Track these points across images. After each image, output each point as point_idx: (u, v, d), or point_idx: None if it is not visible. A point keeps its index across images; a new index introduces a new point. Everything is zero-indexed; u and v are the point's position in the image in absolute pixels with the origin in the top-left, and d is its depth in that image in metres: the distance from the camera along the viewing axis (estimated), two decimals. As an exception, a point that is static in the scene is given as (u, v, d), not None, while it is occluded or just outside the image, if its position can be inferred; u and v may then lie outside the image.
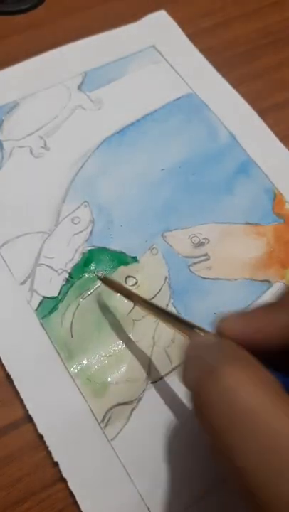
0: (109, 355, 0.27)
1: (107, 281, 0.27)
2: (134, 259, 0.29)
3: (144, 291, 0.28)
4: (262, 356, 0.17)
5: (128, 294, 0.26)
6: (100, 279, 0.28)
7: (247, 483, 0.15)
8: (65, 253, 0.29)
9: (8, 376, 0.26)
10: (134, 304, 0.26)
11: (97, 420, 0.25)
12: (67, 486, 0.24)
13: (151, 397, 0.26)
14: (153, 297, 0.28)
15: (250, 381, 0.16)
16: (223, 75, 0.37)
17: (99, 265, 0.29)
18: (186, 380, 0.18)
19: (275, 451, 0.14)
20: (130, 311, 0.28)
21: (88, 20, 0.39)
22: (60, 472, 0.24)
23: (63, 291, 0.28)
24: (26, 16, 0.39)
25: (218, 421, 0.16)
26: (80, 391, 0.25)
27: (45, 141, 0.33)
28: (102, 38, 0.38)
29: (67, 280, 0.28)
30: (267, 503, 0.14)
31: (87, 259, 0.29)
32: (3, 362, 0.26)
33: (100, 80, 0.36)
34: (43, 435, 0.24)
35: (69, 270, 0.29)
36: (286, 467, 0.14)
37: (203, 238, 0.30)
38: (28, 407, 0.25)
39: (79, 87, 0.36)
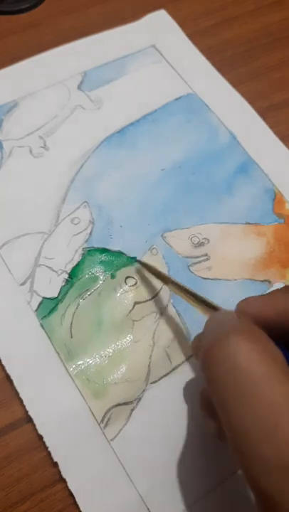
0: (109, 356, 0.27)
1: (143, 264, 0.29)
2: (134, 260, 0.29)
3: (143, 292, 0.28)
4: (278, 337, 0.18)
5: (162, 277, 0.28)
6: (138, 261, 0.29)
7: (239, 444, 0.16)
8: (65, 254, 0.29)
9: (8, 376, 0.26)
10: (166, 285, 0.28)
11: (96, 420, 0.25)
12: (66, 487, 0.24)
13: (151, 397, 0.26)
14: (153, 297, 0.28)
15: (255, 350, 0.17)
16: (223, 75, 0.37)
17: (99, 266, 0.29)
18: (198, 349, 0.19)
19: (266, 415, 0.15)
20: (130, 312, 0.28)
21: (88, 20, 0.39)
22: (59, 472, 0.24)
23: (63, 292, 0.28)
24: (26, 16, 0.39)
25: (220, 383, 0.17)
26: (80, 391, 0.25)
27: (45, 141, 0.33)
28: (101, 37, 0.38)
29: (66, 281, 0.28)
30: (254, 463, 0.15)
31: (87, 259, 0.29)
32: (3, 362, 0.26)
33: (99, 79, 0.36)
34: (43, 435, 0.24)
35: (69, 271, 0.29)
36: (273, 431, 0.15)
37: (203, 238, 0.30)
38: (27, 407, 0.25)
39: (79, 87, 0.35)
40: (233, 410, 0.16)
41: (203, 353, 0.18)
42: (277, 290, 0.20)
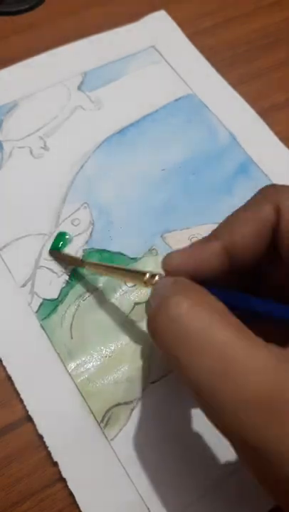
0: (109, 356, 0.27)
1: (53, 254, 0.29)
2: (134, 261, 0.29)
3: (143, 292, 0.28)
4: (212, 283, 0.19)
5: (77, 262, 0.28)
6: (50, 253, 0.29)
7: (203, 399, 0.17)
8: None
9: (8, 377, 0.26)
10: (85, 268, 0.28)
11: (96, 420, 0.25)
12: (66, 486, 0.24)
13: (151, 397, 0.26)
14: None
15: (194, 306, 0.18)
16: (223, 75, 0.37)
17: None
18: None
19: (215, 361, 0.16)
20: (130, 312, 0.28)
21: (88, 21, 0.39)
22: (59, 472, 0.24)
23: (63, 293, 0.28)
24: (26, 16, 0.39)
25: (170, 345, 0.18)
26: (80, 391, 0.26)
27: (45, 142, 0.33)
28: (101, 38, 0.38)
29: (67, 282, 0.28)
30: (217, 406, 0.16)
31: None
32: (4, 363, 0.26)
33: (99, 80, 0.36)
34: (43, 435, 0.24)
35: (69, 272, 0.29)
36: (232, 373, 0.16)
37: (203, 239, 0.30)
38: (28, 407, 0.25)
39: (79, 87, 0.36)
40: (186, 366, 0.17)
41: (149, 322, 0.19)
42: (196, 242, 0.21)
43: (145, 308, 0.21)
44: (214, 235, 0.21)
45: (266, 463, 0.16)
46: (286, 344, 0.17)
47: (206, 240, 0.21)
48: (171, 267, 0.20)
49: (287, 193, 0.20)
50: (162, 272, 0.21)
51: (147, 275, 0.22)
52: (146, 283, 0.22)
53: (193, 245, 0.21)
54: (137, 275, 0.23)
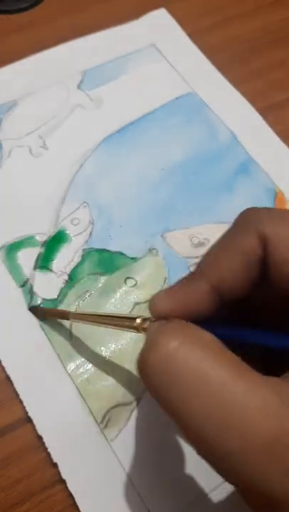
0: (109, 356, 0.27)
1: (34, 311, 0.27)
2: (134, 260, 0.29)
3: (143, 292, 0.28)
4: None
5: (62, 314, 0.26)
6: (30, 310, 0.27)
7: (195, 441, 0.16)
8: (65, 255, 0.29)
9: (7, 377, 0.26)
10: (71, 320, 0.26)
11: (96, 421, 0.25)
12: (66, 488, 0.24)
13: (151, 398, 0.26)
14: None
15: (186, 343, 0.16)
16: (224, 74, 0.37)
17: (98, 267, 0.29)
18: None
19: (217, 404, 0.15)
20: (130, 312, 0.28)
21: (87, 19, 0.39)
22: (59, 473, 0.24)
23: (63, 294, 0.28)
24: (25, 15, 0.39)
25: (162, 389, 0.16)
26: (80, 392, 0.25)
27: (45, 141, 0.33)
28: (101, 36, 0.37)
29: (66, 282, 0.28)
30: (217, 451, 0.15)
31: (87, 260, 0.29)
32: (3, 363, 0.26)
33: (99, 78, 0.36)
34: (42, 436, 0.24)
35: (68, 272, 0.29)
36: (231, 418, 0.15)
37: (204, 238, 0.30)
38: (27, 408, 0.25)
39: (78, 86, 0.35)
40: (183, 411, 0.16)
41: (138, 365, 0.18)
42: (181, 281, 0.20)
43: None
44: (200, 272, 0.19)
45: (269, 502, 0.15)
46: (284, 370, 0.16)
47: (192, 278, 0.19)
48: (158, 311, 0.19)
49: (270, 218, 0.19)
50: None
51: (138, 320, 0.21)
52: (137, 328, 0.21)
53: (180, 285, 0.19)
54: (127, 320, 0.21)
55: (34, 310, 0.27)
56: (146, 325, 0.20)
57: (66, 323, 0.27)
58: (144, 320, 0.20)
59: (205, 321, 0.18)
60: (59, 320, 0.27)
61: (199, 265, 0.19)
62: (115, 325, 0.23)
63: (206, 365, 0.16)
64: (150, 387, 0.17)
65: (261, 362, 0.17)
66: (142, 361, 0.17)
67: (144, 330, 0.20)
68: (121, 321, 0.22)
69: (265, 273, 0.19)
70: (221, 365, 0.16)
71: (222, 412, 0.15)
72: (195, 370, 0.16)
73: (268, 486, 0.15)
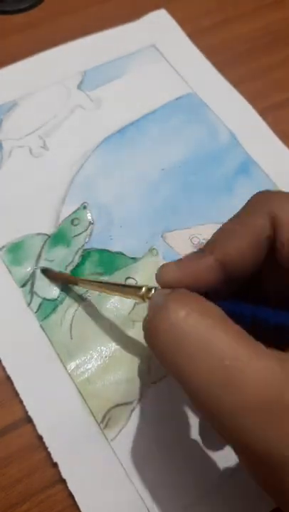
0: (109, 356, 0.27)
1: (46, 273, 0.28)
2: (134, 261, 0.29)
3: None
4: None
5: (70, 280, 0.28)
6: (42, 272, 0.28)
7: (201, 402, 0.17)
8: (65, 255, 0.29)
9: (8, 377, 0.26)
10: (80, 286, 0.27)
11: (96, 421, 0.25)
12: (66, 487, 0.24)
13: (151, 397, 0.26)
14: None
15: (193, 312, 0.17)
16: (224, 74, 0.37)
17: (99, 267, 0.29)
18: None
19: (220, 365, 0.16)
20: (130, 312, 0.28)
21: (88, 19, 0.39)
22: (59, 473, 0.24)
23: (63, 294, 0.28)
24: (25, 15, 0.39)
25: (169, 353, 0.17)
26: (80, 392, 0.25)
27: (45, 141, 0.33)
28: (101, 36, 0.38)
29: (66, 282, 0.28)
30: (218, 412, 0.16)
31: (87, 261, 0.29)
32: (3, 363, 0.26)
33: (99, 79, 0.36)
34: (43, 436, 0.24)
35: (69, 272, 0.29)
36: (232, 379, 0.16)
37: (204, 239, 0.30)
38: (27, 407, 0.25)
39: (78, 86, 0.35)
40: (186, 372, 0.17)
41: (146, 329, 0.18)
42: (190, 255, 0.21)
43: (143, 326, 0.20)
44: (208, 248, 0.20)
45: (268, 466, 0.16)
46: (286, 349, 0.17)
47: (199, 253, 0.20)
48: (166, 280, 0.20)
49: (280, 200, 0.19)
50: (158, 286, 0.21)
51: (143, 289, 0.21)
52: (142, 297, 0.22)
53: (187, 258, 0.20)
54: (133, 290, 0.22)
55: (46, 272, 0.28)
56: (150, 294, 0.21)
57: (67, 322, 0.27)
58: (149, 290, 0.21)
59: (211, 296, 0.19)
60: (60, 320, 0.27)
61: (208, 242, 0.20)
62: (121, 292, 0.24)
63: (212, 332, 0.17)
64: (158, 350, 0.18)
65: (263, 341, 0.17)
66: (150, 326, 0.18)
67: (149, 299, 0.21)
68: (126, 290, 0.23)
69: (274, 255, 0.19)
70: (225, 333, 0.17)
71: (224, 373, 0.16)
72: (201, 336, 0.17)
73: (267, 447, 0.15)
